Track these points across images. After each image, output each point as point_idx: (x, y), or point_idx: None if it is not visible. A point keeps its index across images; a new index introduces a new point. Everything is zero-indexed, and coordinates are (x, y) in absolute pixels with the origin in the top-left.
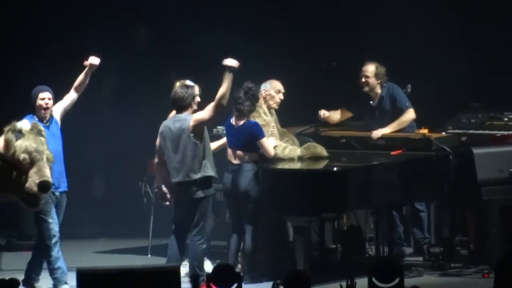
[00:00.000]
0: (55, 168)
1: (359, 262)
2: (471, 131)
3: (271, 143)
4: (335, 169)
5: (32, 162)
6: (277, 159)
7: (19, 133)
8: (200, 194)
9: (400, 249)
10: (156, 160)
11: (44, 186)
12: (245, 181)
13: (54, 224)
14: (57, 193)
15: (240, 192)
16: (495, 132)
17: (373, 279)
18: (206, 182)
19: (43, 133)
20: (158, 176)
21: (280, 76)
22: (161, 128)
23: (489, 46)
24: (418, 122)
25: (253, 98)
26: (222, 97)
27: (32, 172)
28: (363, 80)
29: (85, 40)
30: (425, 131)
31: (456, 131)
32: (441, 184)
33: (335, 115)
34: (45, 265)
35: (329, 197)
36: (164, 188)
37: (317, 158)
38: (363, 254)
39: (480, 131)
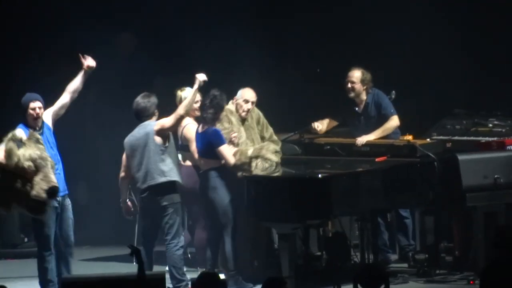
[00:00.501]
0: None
1: (344, 269)
2: (456, 138)
3: (229, 150)
4: (319, 176)
5: (37, 169)
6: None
7: (20, 142)
8: (164, 202)
9: (385, 256)
10: (122, 174)
11: (52, 191)
12: (209, 189)
13: (51, 233)
14: (59, 198)
15: (207, 199)
16: (480, 138)
17: (359, 286)
18: (170, 187)
19: (40, 141)
20: (124, 190)
21: (263, 84)
22: (126, 139)
23: (475, 52)
24: (403, 128)
25: (217, 106)
26: (183, 108)
27: (38, 179)
28: (349, 86)
29: (78, 42)
30: (409, 137)
31: (441, 137)
32: (426, 190)
33: (323, 125)
34: (31, 273)
35: (313, 204)
36: (129, 203)
37: (265, 159)
38: (348, 261)
39: (465, 137)
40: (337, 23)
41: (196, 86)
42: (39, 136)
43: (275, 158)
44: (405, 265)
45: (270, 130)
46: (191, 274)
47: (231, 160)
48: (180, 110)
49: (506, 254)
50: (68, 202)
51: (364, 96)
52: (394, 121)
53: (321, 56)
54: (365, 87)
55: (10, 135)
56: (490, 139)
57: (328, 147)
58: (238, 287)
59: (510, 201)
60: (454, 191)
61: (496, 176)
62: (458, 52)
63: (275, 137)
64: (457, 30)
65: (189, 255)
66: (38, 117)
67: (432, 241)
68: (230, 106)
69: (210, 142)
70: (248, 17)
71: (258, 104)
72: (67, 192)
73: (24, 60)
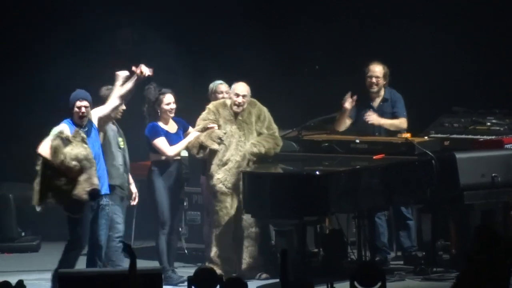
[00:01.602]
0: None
1: (341, 266)
2: (454, 136)
3: (163, 143)
4: (317, 173)
5: (81, 170)
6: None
7: (67, 140)
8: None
9: (385, 257)
10: None
11: (94, 193)
12: (149, 182)
13: (84, 232)
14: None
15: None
16: (478, 136)
17: (355, 283)
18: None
19: (85, 140)
20: None
21: (261, 80)
22: None
23: (473, 50)
24: None
25: (148, 101)
26: (117, 95)
27: (82, 179)
28: (374, 80)
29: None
30: (407, 135)
31: (439, 135)
32: (423, 188)
33: (344, 123)
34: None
35: (311, 201)
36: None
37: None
38: (345, 258)
39: (463, 136)
40: (335, 18)
41: (117, 82)
42: (84, 135)
43: (214, 146)
44: (401, 262)
45: (273, 128)
46: (189, 270)
47: (168, 152)
48: (112, 98)
49: (483, 255)
50: (105, 201)
51: (382, 92)
52: (402, 123)
53: (320, 54)
54: (385, 82)
55: (57, 131)
56: (488, 137)
57: (326, 144)
58: (169, 283)
59: (507, 200)
60: (452, 189)
61: (493, 174)
62: (457, 49)
63: (276, 135)
64: (456, 24)
65: (186, 251)
66: (84, 116)
67: (429, 239)
68: (227, 100)
69: (146, 136)
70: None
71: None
72: (108, 191)
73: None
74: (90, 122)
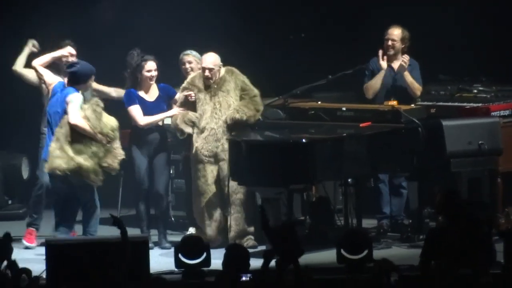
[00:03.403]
0: None
1: (328, 234)
2: (440, 103)
3: (136, 111)
4: (303, 140)
5: (111, 140)
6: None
7: (97, 111)
8: None
9: (403, 223)
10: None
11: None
12: (128, 149)
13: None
14: None
15: None
16: (465, 104)
17: (342, 251)
18: None
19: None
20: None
21: (247, 46)
22: None
23: (461, 17)
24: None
25: (130, 66)
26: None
27: (113, 148)
28: (390, 43)
29: None
30: (394, 102)
31: (426, 103)
32: (410, 156)
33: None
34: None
35: (297, 169)
36: None
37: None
38: (332, 226)
39: (450, 103)
40: None
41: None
42: (102, 105)
43: (187, 129)
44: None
45: (255, 93)
46: (176, 238)
47: (139, 121)
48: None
49: (448, 220)
50: None
51: (399, 56)
52: (419, 89)
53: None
54: (403, 46)
55: (93, 100)
56: (475, 105)
57: (312, 112)
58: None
59: (493, 167)
60: (438, 157)
61: (480, 142)
62: (444, 17)
63: (256, 99)
64: None
65: (172, 219)
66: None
67: (415, 207)
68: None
69: (123, 102)
70: None
71: (241, 68)
72: None
73: None
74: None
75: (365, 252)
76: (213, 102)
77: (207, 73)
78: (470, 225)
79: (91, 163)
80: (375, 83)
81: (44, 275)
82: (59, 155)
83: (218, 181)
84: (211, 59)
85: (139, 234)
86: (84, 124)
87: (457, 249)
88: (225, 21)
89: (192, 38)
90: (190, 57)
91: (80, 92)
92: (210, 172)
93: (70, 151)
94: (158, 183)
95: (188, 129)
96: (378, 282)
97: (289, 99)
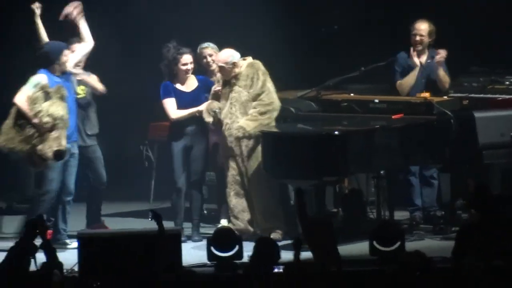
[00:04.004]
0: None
1: (360, 226)
2: (473, 95)
3: (169, 105)
4: (336, 132)
5: (52, 128)
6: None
7: (47, 95)
8: None
9: (435, 215)
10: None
11: (59, 155)
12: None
13: (55, 185)
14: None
15: None
16: (497, 96)
17: (374, 243)
18: None
19: (65, 98)
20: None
21: (281, 39)
22: None
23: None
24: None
25: (166, 59)
26: None
27: (51, 137)
28: (418, 38)
29: None
30: (426, 94)
31: (458, 94)
32: (442, 148)
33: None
34: None
35: (330, 161)
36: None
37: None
38: (364, 218)
39: (482, 95)
40: None
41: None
42: (65, 93)
43: (208, 119)
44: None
45: (263, 99)
46: (208, 230)
47: (171, 115)
48: None
49: (482, 215)
50: (76, 149)
51: (427, 50)
52: (448, 83)
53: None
54: (430, 40)
55: (39, 83)
56: (507, 96)
57: (345, 104)
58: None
59: None
60: (471, 148)
61: None
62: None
63: (264, 99)
64: None
65: (205, 211)
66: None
67: (448, 199)
68: None
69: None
70: None
71: (268, 62)
72: (75, 139)
73: None
74: (68, 73)
75: (398, 244)
76: (230, 97)
77: (218, 69)
78: (502, 219)
79: (25, 147)
80: (410, 80)
81: (76, 268)
82: (5, 131)
83: (243, 173)
84: (222, 56)
85: (173, 226)
86: (22, 105)
87: (488, 244)
88: (258, 14)
89: (225, 30)
90: (210, 50)
91: (56, 74)
92: (233, 165)
93: (12, 131)
94: (193, 174)
95: (209, 118)
96: (409, 275)
97: (321, 91)
